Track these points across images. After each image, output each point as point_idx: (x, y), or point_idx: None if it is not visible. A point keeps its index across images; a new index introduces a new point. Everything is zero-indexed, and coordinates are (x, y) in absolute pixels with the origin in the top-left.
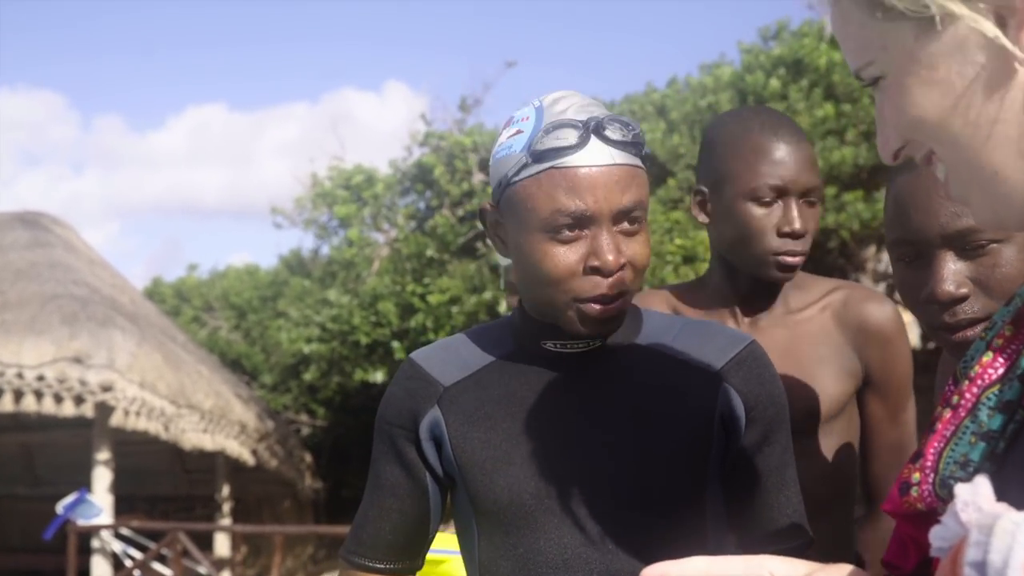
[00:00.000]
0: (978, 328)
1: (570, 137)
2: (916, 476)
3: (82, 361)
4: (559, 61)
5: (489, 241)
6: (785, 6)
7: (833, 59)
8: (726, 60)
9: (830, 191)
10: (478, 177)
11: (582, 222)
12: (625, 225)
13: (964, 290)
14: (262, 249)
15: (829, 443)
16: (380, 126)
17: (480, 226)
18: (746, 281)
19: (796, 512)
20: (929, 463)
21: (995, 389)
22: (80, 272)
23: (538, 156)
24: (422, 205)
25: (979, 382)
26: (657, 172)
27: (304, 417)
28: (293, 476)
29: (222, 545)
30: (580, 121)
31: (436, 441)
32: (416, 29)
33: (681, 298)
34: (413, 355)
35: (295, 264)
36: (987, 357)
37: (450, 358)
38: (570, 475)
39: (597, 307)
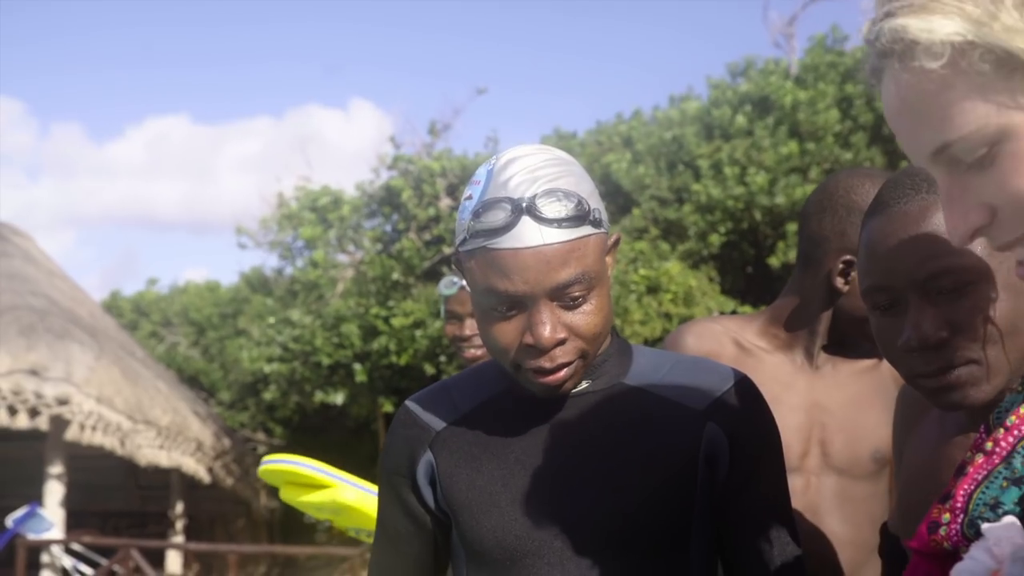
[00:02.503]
0: (956, 373)
1: (498, 219)
2: (946, 516)
3: (38, 374)
4: (529, 88)
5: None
6: (753, 43)
7: (798, 98)
8: (694, 93)
9: (792, 227)
10: (445, 202)
11: (515, 302)
12: (567, 300)
13: (942, 335)
14: (221, 264)
15: (880, 489)
16: (345, 144)
17: (446, 250)
18: (842, 335)
19: (789, 548)
20: (959, 504)
21: None
22: (39, 283)
23: (474, 233)
24: (388, 228)
25: (1016, 432)
26: (622, 202)
27: (261, 436)
28: (248, 495)
29: (174, 563)
30: (512, 200)
31: (432, 484)
32: (384, 49)
33: (750, 329)
34: (408, 401)
35: (256, 282)
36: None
37: (442, 401)
38: (555, 517)
39: (539, 378)
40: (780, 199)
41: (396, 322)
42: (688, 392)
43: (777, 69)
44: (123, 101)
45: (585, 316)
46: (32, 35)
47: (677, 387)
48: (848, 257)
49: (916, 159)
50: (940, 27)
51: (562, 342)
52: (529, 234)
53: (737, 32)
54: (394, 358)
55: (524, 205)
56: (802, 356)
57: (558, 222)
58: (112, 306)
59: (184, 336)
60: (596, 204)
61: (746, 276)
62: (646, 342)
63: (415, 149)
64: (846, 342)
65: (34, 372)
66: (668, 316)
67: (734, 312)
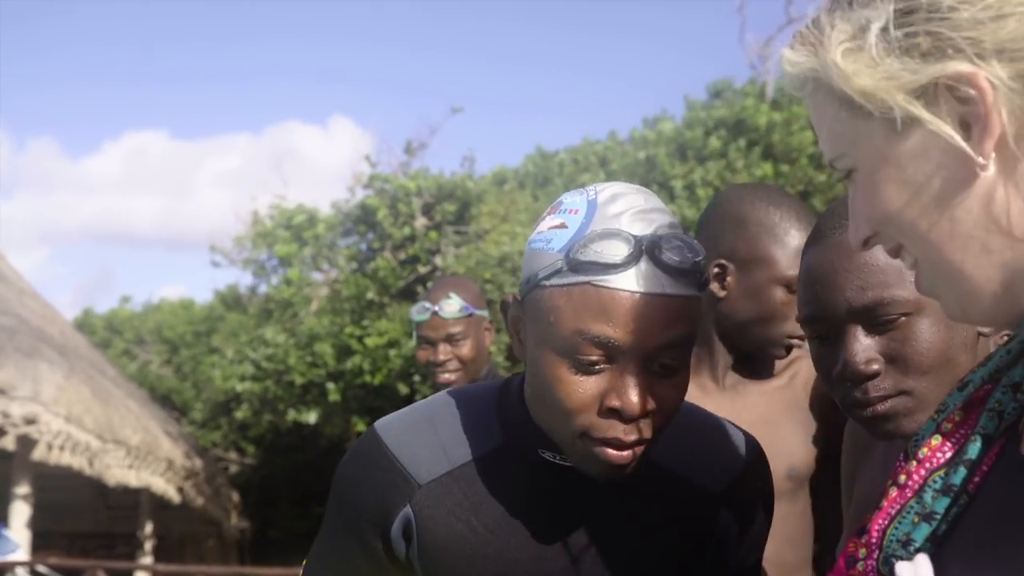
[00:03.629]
0: (889, 404)
1: (618, 253)
2: (863, 552)
3: (6, 393)
4: (505, 108)
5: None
6: (730, 66)
7: (773, 120)
8: (668, 115)
9: None
10: (421, 221)
11: (610, 353)
12: (664, 363)
13: (875, 367)
14: (197, 282)
15: (796, 509)
16: (324, 160)
17: (421, 270)
18: (743, 354)
19: None
20: (874, 539)
21: (941, 472)
22: (8, 301)
23: (576, 266)
24: (364, 247)
25: (927, 464)
26: None
27: (233, 455)
28: (219, 515)
29: None
30: (634, 236)
31: (407, 539)
32: (364, 66)
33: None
34: (383, 435)
35: (231, 300)
36: (936, 440)
37: (426, 444)
38: None
39: (608, 451)
40: None
41: (370, 341)
42: (704, 469)
43: (753, 91)
44: (101, 116)
45: (675, 389)
46: (8, 50)
47: (692, 462)
48: (721, 262)
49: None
50: (800, 62)
51: (647, 415)
52: (648, 279)
53: (715, 54)
54: (368, 378)
55: (647, 245)
56: (708, 378)
57: (679, 273)
58: (84, 324)
59: (157, 354)
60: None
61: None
62: None
63: (391, 168)
64: (756, 358)
65: (1, 391)
66: None
67: None
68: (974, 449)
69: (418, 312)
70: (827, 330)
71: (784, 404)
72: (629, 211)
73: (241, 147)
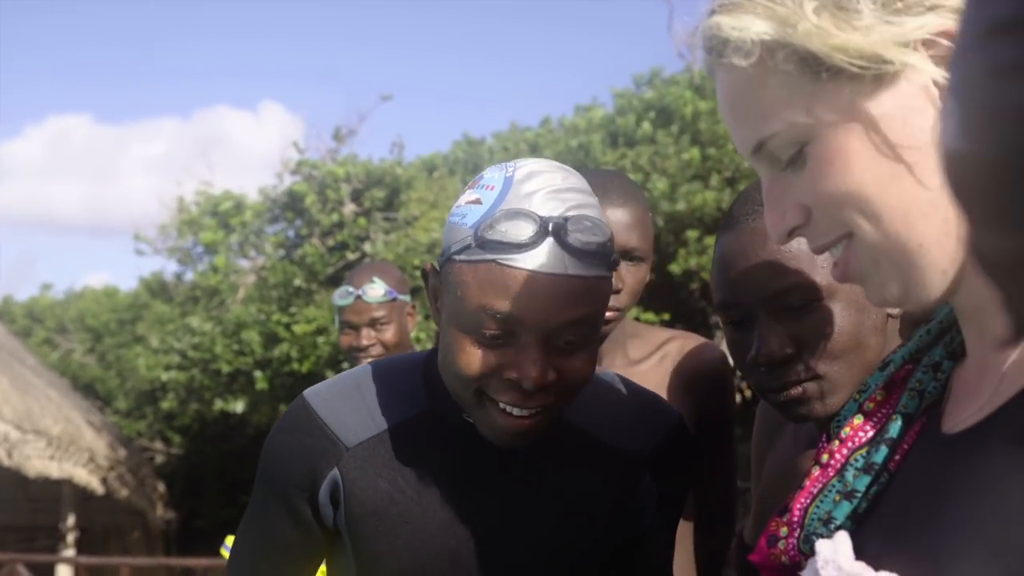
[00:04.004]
0: (802, 388)
1: (523, 233)
2: (784, 530)
3: None
4: (435, 95)
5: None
6: (658, 54)
7: (699, 107)
8: (598, 103)
9: (693, 234)
10: (349, 207)
11: (511, 329)
12: (568, 340)
13: (788, 351)
14: (122, 269)
15: None
16: (254, 146)
17: (349, 256)
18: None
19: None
20: (796, 518)
21: (863, 451)
22: None
23: (483, 243)
24: (291, 233)
25: (849, 443)
26: None
27: (159, 445)
28: (144, 506)
29: None
30: (540, 216)
31: (334, 504)
32: (296, 52)
33: None
34: (311, 400)
35: (156, 288)
36: (858, 420)
37: (354, 409)
38: (473, 557)
39: (508, 419)
40: (681, 205)
41: (298, 329)
42: (627, 434)
43: (682, 79)
44: (22, 99)
45: (579, 363)
46: None
47: (617, 429)
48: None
49: (743, 156)
50: (749, 25)
51: (547, 387)
52: (552, 259)
53: (646, 43)
54: (296, 365)
55: (551, 226)
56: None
57: (583, 254)
58: (4, 312)
59: (80, 343)
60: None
61: (648, 282)
62: None
63: (320, 154)
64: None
65: None
66: None
67: (637, 319)
68: (895, 428)
69: (341, 297)
70: (741, 315)
71: (652, 385)
72: (543, 190)
73: (169, 131)
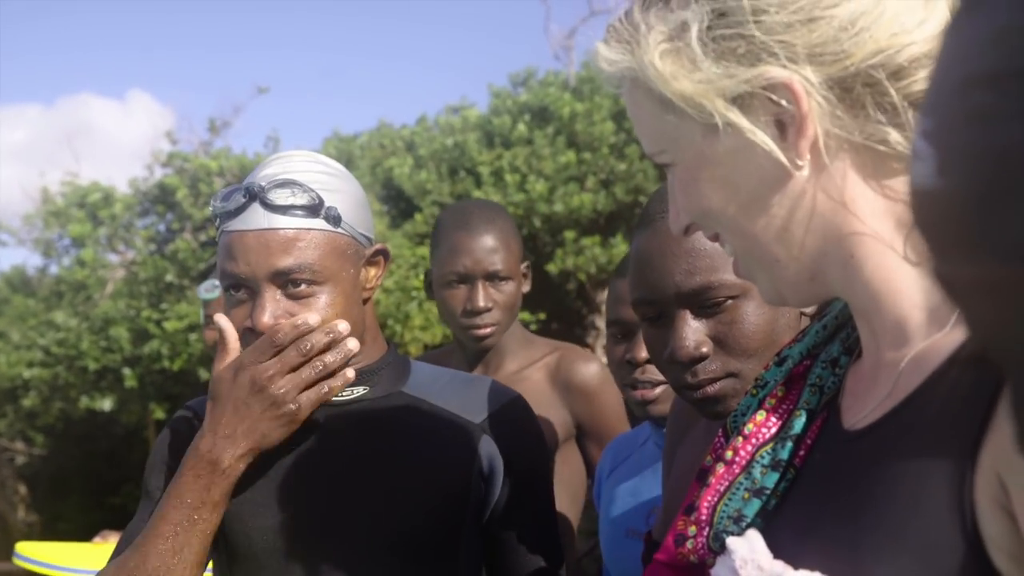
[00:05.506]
0: (718, 386)
1: (232, 203)
2: (692, 529)
3: None
4: (311, 90)
5: None
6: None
7: (576, 109)
8: (468, 102)
9: (569, 235)
10: None
11: (241, 284)
12: (290, 289)
13: (704, 349)
14: None
15: (563, 469)
16: (122, 136)
17: None
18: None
19: (554, 562)
20: (704, 517)
21: (769, 448)
22: None
23: (215, 219)
24: (163, 227)
25: (753, 440)
26: (404, 207)
27: (20, 445)
28: (4, 508)
29: None
30: (245, 187)
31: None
32: (165, 40)
33: (439, 361)
34: (190, 403)
35: (18, 282)
36: (760, 416)
37: None
38: (324, 521)
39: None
40: (558, 207)
41: (169, 325)
42: (464, 406)
43: (556, 81)
44: None
45: (310, 307)
46: None
47: (454, 400)
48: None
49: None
50: (616, 61)
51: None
52: (255, 218)
53: (521, 43)
54: (167, 363)
55: (255, 190)
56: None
57: (284, 209)
58: None
59: None
60: (346, 208)
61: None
62: (426, 347)
63: (192, 147)
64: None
65: None
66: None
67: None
68: (799, 424)
69: (207, 290)
70: (656, 313)
71: (528, 394)
72: (271, 167)
73: (31, 119)
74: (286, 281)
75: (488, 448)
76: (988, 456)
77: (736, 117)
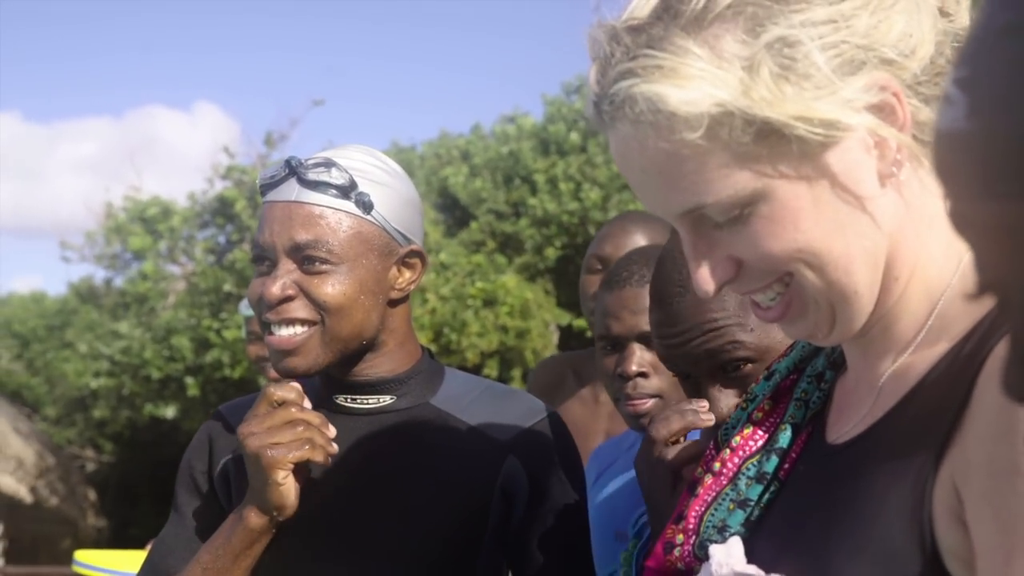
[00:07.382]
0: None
1: (273, 175)
2: (680, 538)
3: None
4: (368, 100)
5: None
6: (584, 64)
7: None
8: (521, 111)
9: None
10: None
11: (264, 254)
12: (305, 263)
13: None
14: (51, 272)
15: None
16: (188, 147)
17: None
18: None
19: None
20: (691, 526)
21: (754, 460)
22: None
23: (260, 190)
24: (222, 239)
25: (740, 452)
26: (460, 215)
27: (90, 452)
28: (75, 514)
29: None
30: (286, 160)
31: (227, 485)
32: (232, 52)
33: (582, 365)
34: (221, 407)
35: (86, 293)
36: (748, 429)
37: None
38: (343, 530)
39: (269, 336)
40: (613, 215)
41: (229, 334)
42: (494, 422)
43: None
44: None
45: (321, 284)
46: None
47: (484, 415)
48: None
49: (661, 214)
50: (701, 99)
51: (289, 299)
52: (288, 190)
53: (572, 52)
54: (227, 371)
55: (294, 164)
56: (601, 390)
57: (315, 184)
58: None
59: (6, 349)
60: (384, 200)
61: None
62: (483, 354)
63: (251, 159)
64: None
65: None
66: (505, 329)
67: (569, 325)
68: (784, 438)
69: (247, 306)
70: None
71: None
72: (332, 152)
73: (101, 131)
74: (303, 256)
75: (512, 467)
76: (947, 469)
77: (864, 119)
